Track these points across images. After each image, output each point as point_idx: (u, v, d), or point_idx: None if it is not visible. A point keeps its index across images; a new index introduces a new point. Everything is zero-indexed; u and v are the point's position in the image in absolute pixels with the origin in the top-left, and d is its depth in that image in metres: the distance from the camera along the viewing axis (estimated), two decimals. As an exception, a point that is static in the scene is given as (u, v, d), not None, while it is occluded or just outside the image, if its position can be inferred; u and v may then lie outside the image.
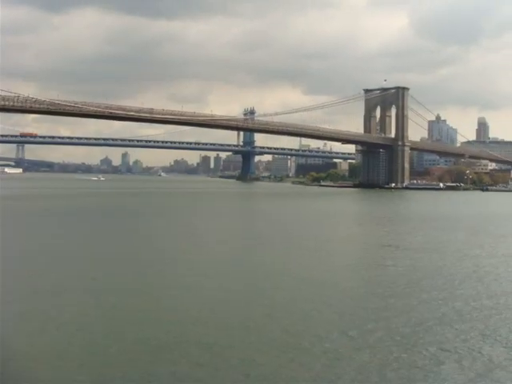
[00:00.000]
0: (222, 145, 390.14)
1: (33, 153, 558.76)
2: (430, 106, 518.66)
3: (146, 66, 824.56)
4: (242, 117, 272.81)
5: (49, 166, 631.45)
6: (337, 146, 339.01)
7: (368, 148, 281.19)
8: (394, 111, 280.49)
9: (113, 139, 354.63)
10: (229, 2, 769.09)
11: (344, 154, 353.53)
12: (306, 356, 22.81)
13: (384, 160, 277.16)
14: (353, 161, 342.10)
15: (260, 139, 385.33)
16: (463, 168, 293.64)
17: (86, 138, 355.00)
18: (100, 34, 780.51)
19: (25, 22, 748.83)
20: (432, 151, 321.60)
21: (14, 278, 37.27)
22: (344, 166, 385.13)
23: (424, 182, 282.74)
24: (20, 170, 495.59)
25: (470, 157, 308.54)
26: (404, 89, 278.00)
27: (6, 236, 57.35)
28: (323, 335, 25.49)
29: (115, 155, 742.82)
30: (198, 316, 28.59)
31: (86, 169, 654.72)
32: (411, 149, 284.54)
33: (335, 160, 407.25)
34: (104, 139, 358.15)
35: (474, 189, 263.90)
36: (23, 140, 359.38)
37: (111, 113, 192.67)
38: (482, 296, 33.78)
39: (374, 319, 28.09)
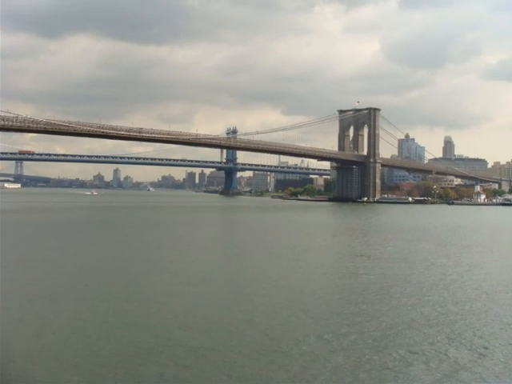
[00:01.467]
0: (206, 162, 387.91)
1: (30, 169, 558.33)
2: (400, 125, 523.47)
3: (135, 89, 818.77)
4: (225, 136, 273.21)
5: (45, 182, 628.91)
6: (313, 163, 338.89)
7: (342, 165, 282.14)
8: (366, 130, 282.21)
9: (105, 156, 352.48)
10: (213, 29, 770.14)
11: (320, 170, 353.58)
12: (284, 358, 22.87)
13: (357, 176, 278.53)
14: (328, 176, 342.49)
15: (242, 156, 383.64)
16: (431, 183, 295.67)
17: (80, 156, 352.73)
18: (93, 58, 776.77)
19: (23, 47, 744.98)
20: (401, 167, 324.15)
21: (13, 285, 37.11)
22: (320, 181, 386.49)
23: (394, 196, 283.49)
24: (19, 185, 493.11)
25: (437, 173, 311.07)
26: (375, 110, 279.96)
27: (6, 246, 57.20)
28: (300, 339, 25.56)
29: (107, 171, 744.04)
30: (184, 321, 28.57)
31: (80, 184, 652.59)
32: (382, 165, 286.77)
33: (312, 176, 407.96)
34: (97, 156, 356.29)
35: (441, 202, 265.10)
36: (21, 157, 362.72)
37: (103, 132, 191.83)
38: (448, 302, 33.97)
39: (347, 324, 28.20)
